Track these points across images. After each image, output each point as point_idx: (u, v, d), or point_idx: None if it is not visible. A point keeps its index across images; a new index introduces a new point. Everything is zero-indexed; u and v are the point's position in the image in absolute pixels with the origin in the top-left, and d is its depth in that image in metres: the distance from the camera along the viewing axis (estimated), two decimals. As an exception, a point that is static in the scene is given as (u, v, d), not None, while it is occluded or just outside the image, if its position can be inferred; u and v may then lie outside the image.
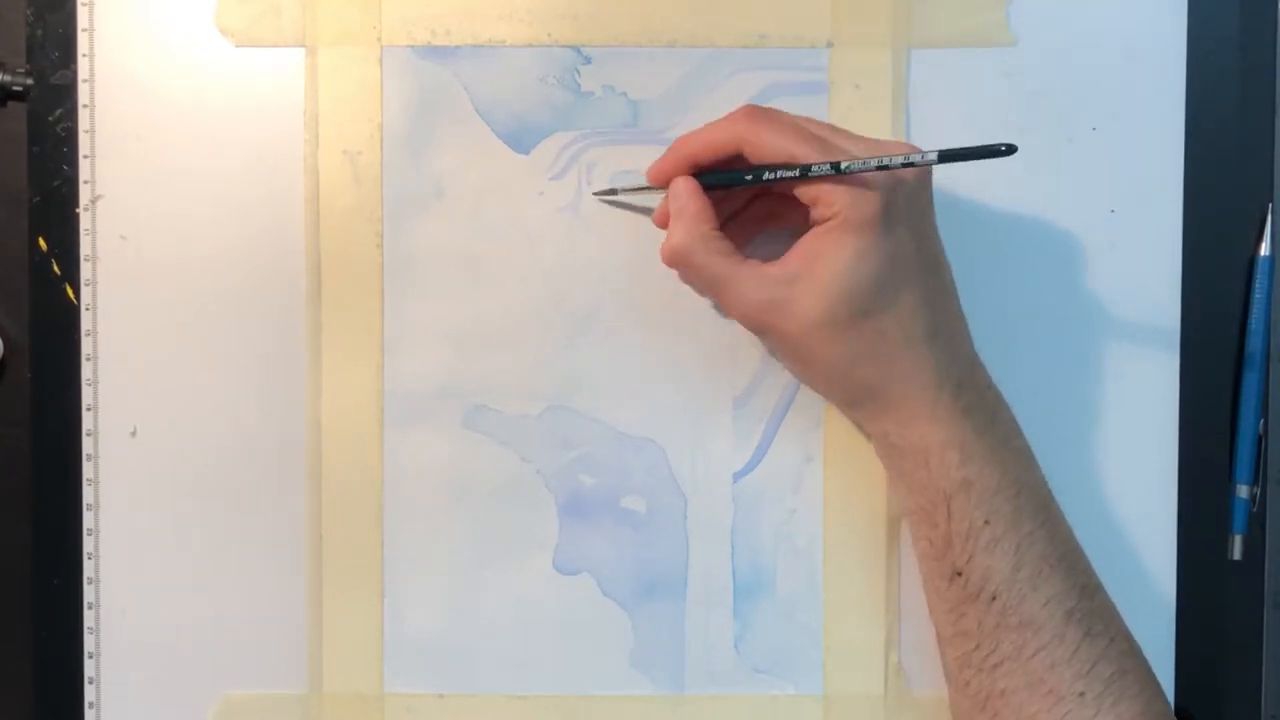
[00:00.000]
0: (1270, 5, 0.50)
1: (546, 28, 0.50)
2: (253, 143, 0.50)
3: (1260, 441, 0.50)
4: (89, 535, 0.50)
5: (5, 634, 0.51)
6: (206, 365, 0.50)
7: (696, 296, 0.50)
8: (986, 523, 0.43)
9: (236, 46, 0.50)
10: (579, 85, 0.50)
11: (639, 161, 0.48)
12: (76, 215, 0.50)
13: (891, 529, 0.50)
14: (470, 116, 0.50)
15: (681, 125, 0.49)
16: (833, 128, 0.45)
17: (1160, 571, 0.50)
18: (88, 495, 0.50)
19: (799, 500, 0.50)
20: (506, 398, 0.50)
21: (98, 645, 0.50)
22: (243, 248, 0.50)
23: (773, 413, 0.50)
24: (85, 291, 0.50)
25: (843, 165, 0.42)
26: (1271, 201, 0.50)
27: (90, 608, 0.50)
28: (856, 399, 0.45)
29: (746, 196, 0.48)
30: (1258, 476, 0.50)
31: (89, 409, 0.50)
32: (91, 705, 0.50)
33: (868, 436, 0.47)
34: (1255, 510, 0.51)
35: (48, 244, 0.50)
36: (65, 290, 0.50)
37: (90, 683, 0.50)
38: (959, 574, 0.43)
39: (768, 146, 0.43)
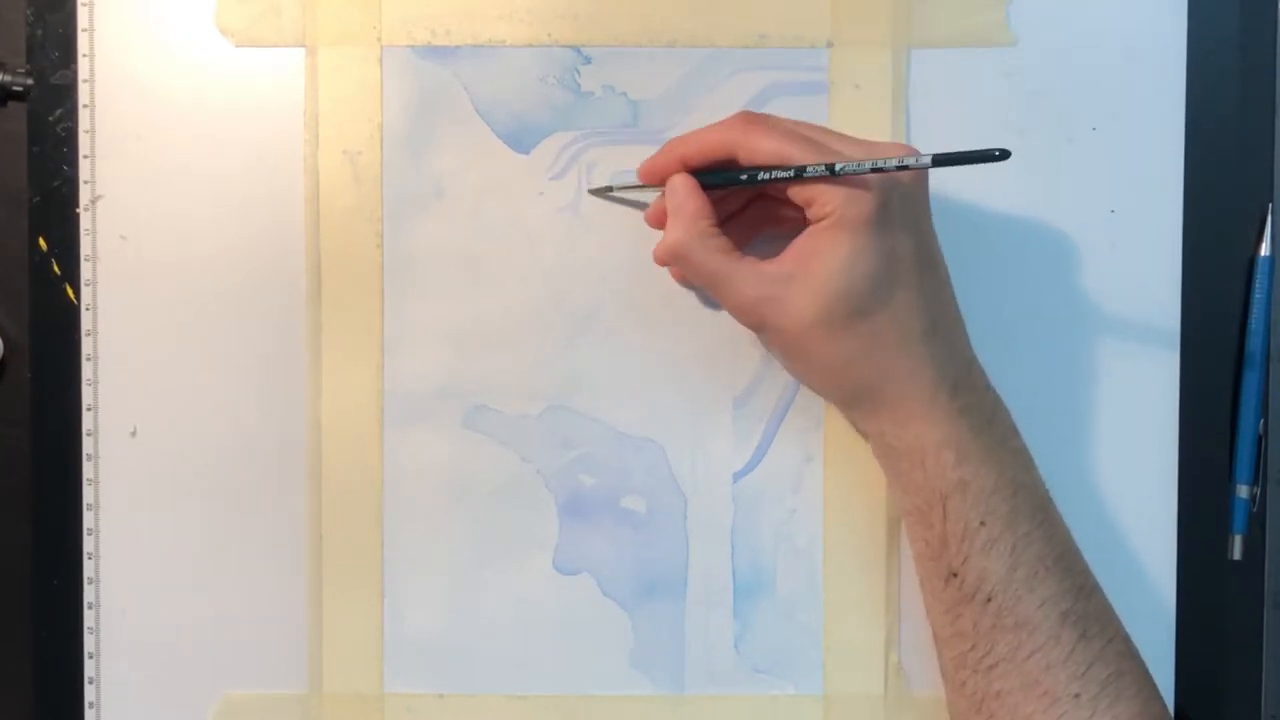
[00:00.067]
0: (1270, 5, 0.50)
1: (546, 28, 0.50)
2: (253, 143, 0.50)
3: (1260, 441, 0.50)
4: (89, 535, 0.50)
5: (5, 634, 0.51)
6: (206, 365, 0.50)
7: (697, 296, 0.50)
8: (982, 524, 0.43)
9: (236, 46, 0.50)
10: (579, 85, 0.50)
11: (639, 162, 0.48)
12: (76, 215, 0.50)
13: (891, 529, 0.50)
14: (470, 116, 0.50)
15: (681, 125, 0.49)
16: (827, 131, 0.45)
17: (1160, 572, 0.50)
18: (88, 495, 0.50)
19: (799, 500, 0.50)
20: (506, 398, 0.50)
21: (98, 645, 0.50)
22: (243, 248, 0.50)
23: (773, 413, 0.50)
24: (85, 291, 0.50)
25: (837, 167, 0.42)
26: (1271, 201, 0.50)
27: (90, 608, 0.50)
28: (853, 398, 0.45)
29: (742, 200, 0.48)
30: (1258, 476, 0.50)
31: (89, 409, 0.50)
32: (91, 705, 0.50)
33: (865, 436, 0.47)
34: (1255, 510, 0.51)
35: (48, 244, 0.50)
36: (65, 290, 0.50)
37: (90, 683, 0.50)
38: (955, 575, 0.43)
39: (761, 150, 0.43)
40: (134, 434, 0.50)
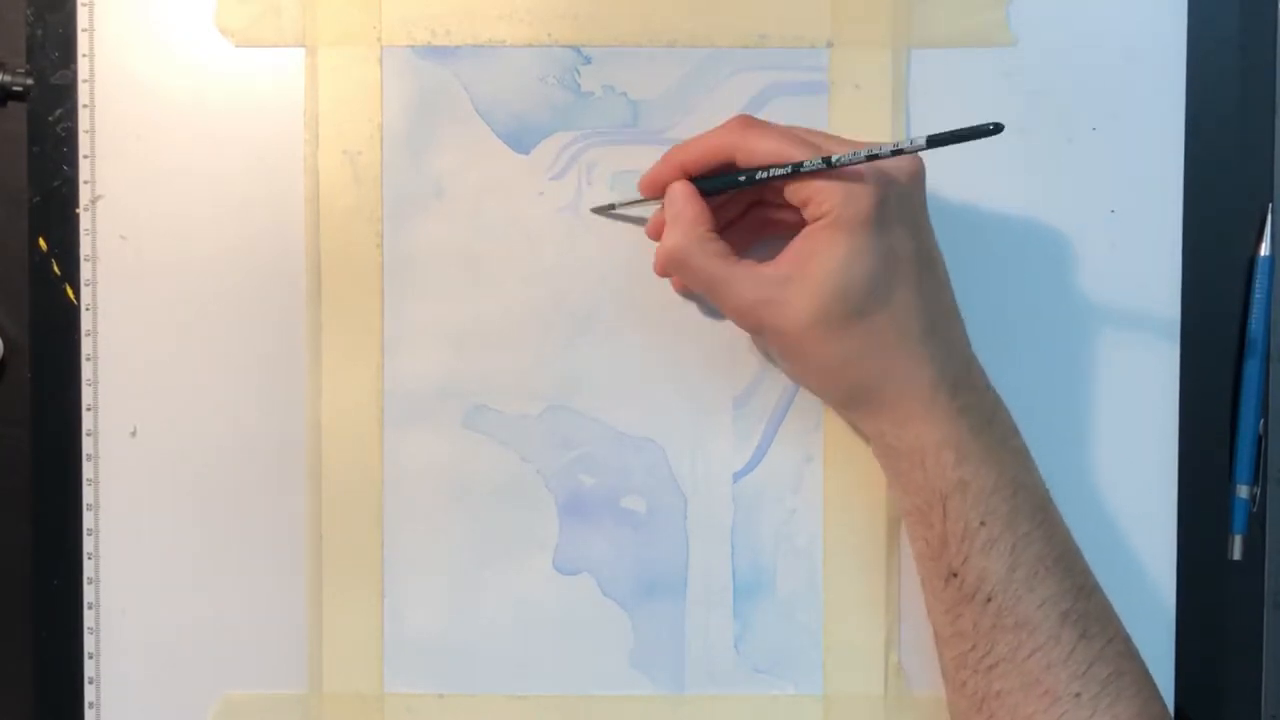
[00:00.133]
0: (1270, 5, 0.50)
1: (546, 28, 0.50)
2: (253, 143, 0.50)
3: (1260, 441, 0.50)
4: (89, 535, 0.50)
5: (5, 634, 0.51)
6: (206, 365, 0.50)
7: (697, 296, 0.50)
8: (982, 524, 0.43)
9: (236, 46, 0.50)
10: (579, 85, 0.50)
11: (639, 161, 0.48)
12: (76, 215, 0.50)
13: (891, 529, 0.50)
14: (470, 116, 0.50)
15: (681, 125, 0.49)
16: (824, 134, 0.45)
17: (1160, 571, 0.50)
18: (88, 495, 0.50)
19: (799, 500, 0.50)
20: (506, 398, 0.50)
21: (98, 645, 0.50)
22: (243, 248, 0.50)
23: (773, 413, 0.50)
24: (85, 291, 0.50)
25: (834, 159, 0.42)
26: (1271, 201, 0.50)
27: (90, 608, 0.50)
28: (852, 399, 0.45)
29: (741, 205, 0.48)
30: (1258, 476, 0.50)
31: (89, 409, 0.50)
32: (91, 705, 0.50)
33: (864, 437, 0.47)
34: (1255, 510, 0.51)
35: (48, 244, 0.50)
36: (65, 290, 0.50)
37: (90, 683, 0.50)
38: (955, 575, 0.43)
39: (759, 150, 0.43)
40: (134, 434, 0.50)
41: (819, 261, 0.43)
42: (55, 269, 0.50)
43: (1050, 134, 0.50)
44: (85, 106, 0.50)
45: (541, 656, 0.50)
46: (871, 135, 0.48)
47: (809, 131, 0.45)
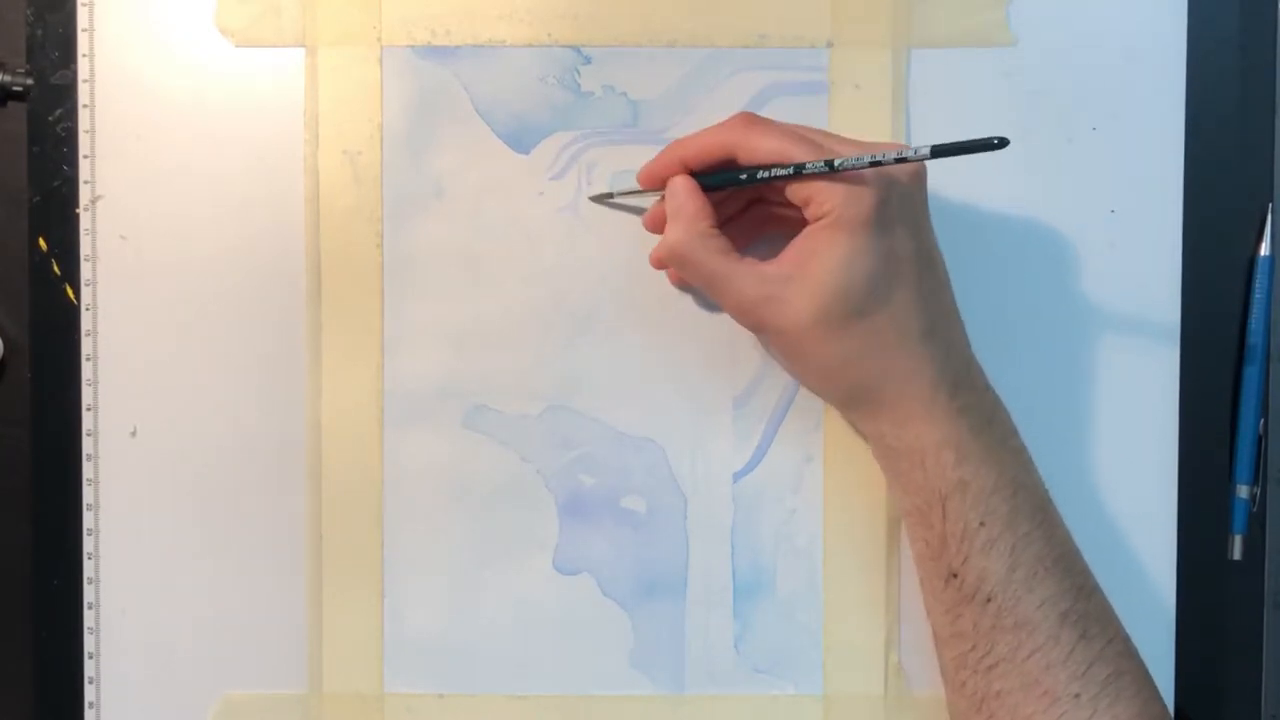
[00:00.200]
0: (1270, 5, 0.50)
1: (546, 28, 0.50)
2: (253, 143, 0.50)
3: (1260, 441, 0.50)
4: (89, 535, 0.50)
5: (5, 634, 0.51)
6: (206, 365, 0.50)
7: (697, 296, 0.50)
8: (982, 524, 0.43)
9: (236, 46, 0.50)
10: (579, 85, 0.50)
11: (639, 162, 0.48)
12: (76, 215, 0.50)
13: (891, 529, 0.50)
14: (470, 116, 0.50)
15: (681, 125, 0.49)
16: (825, 133, 0.45)
17: (1160, 571, 0.50)
18: (88, 495, 0.50)
19: (799, 500, 0.50)
20: (506, 398, 0.50)
21: (98, 645, 0.50)
22: (243, 248, 0.50)
23: (773, 413, 0.50)
24: (85, 291, 0.50)
25: (836, 163, 0.42)
26: (1271, 201, 0.50)
27: (90, 608, 0.50)
28: (852, 398, 0.45)
29: (741, 203, 0.48)
30: (1258, 476, 0.50)
31: (89, 409, 0.50)
32: (91, 705, 0.50)
33: (864, 437, 0.47)
34: (1255, 510, 0.51)
35: (48, 244, 0.50)
36: (65, 290, 0.50)
37: (90, 683, 0.50)
38: (954, 575, 0.43)
39: (761, 149, 0.43)
40: (134, 434, 0.50)
41: (820, 261, 0.43)
42: (55, 269, 0.50)
43: (1050, 134, 0.50)
44: (85, 106, 0.50)
45: (541, 656, 0.50)
46: (871, 135, 0.48)
47: (811, 130, 0.44)
